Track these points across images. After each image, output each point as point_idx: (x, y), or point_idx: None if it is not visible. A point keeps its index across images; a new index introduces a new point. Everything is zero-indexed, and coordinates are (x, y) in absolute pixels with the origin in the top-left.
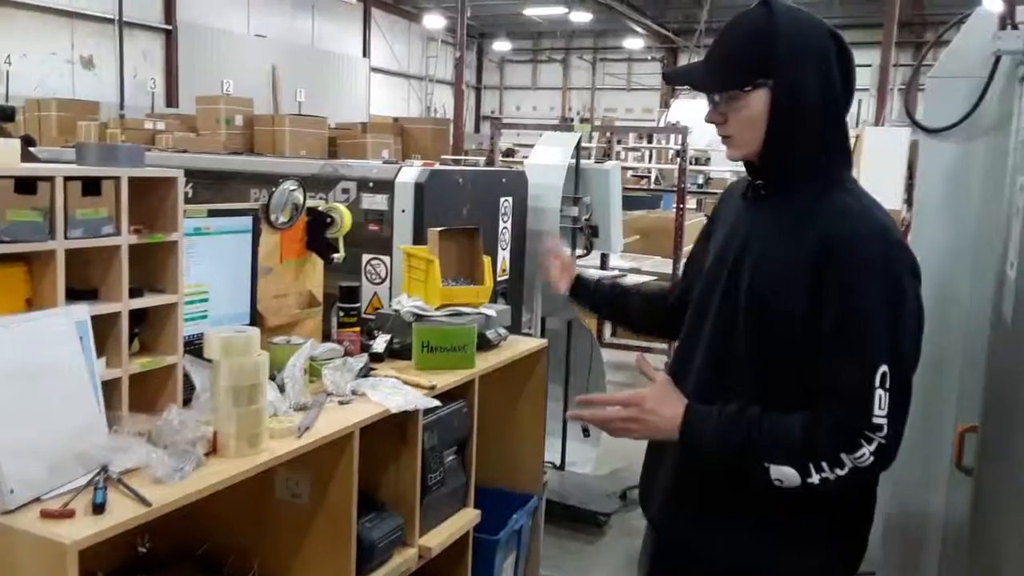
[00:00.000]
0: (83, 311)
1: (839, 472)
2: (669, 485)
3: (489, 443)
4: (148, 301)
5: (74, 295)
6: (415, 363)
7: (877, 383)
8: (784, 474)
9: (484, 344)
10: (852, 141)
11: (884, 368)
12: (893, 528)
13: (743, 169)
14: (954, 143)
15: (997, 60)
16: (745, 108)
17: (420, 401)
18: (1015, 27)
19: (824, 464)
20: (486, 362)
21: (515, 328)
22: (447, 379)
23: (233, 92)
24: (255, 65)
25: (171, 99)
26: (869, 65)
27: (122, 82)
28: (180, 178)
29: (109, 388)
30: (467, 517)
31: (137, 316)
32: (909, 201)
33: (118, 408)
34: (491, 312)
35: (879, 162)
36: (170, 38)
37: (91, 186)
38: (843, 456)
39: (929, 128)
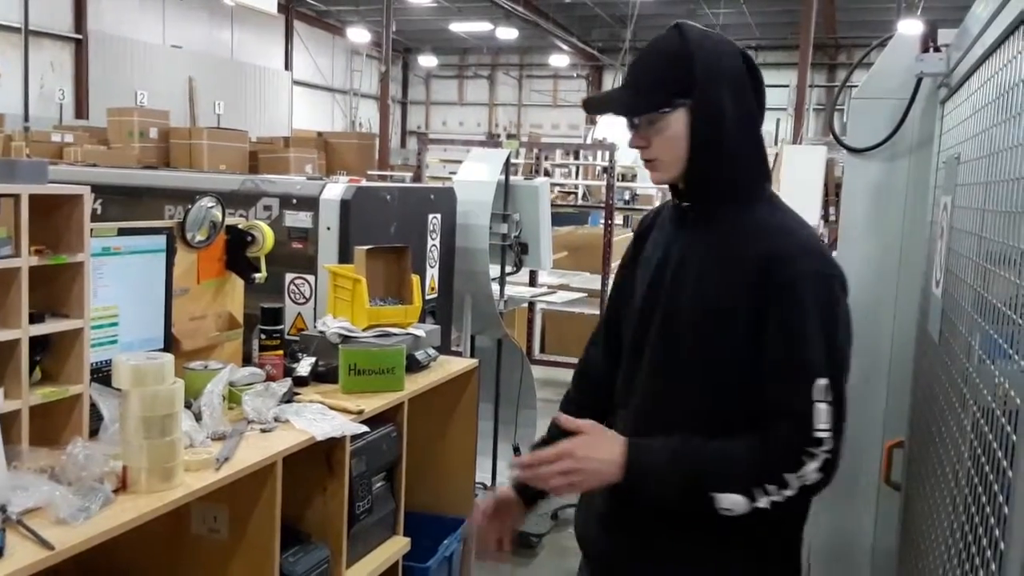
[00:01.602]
0: None
1: (787, 493)
2: (604, 513)
3: (419, 467)
4: (50, 327)
5: None
6: (342, 386)
7: (818, 396)
8: (733, 502)
9: (413, 365)
10: (772, 159)
11: (824, 381)
12: (822, 544)
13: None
14: (878, 162)
15: (919, 82)
16: (667, 129)
17: (347, 427)
18: (937, 49)
19: (770, 487)
20: (416, 384)
21: (445, 347)
22: (375, 403)
23: (147, 104)
24: (171, 76)
25: (81, 111)
26: (786, 85)
27: (27, 93)
28: (86, 195)
29: (8, 421)
30: (396, 546)
31: (39, 343)
32: (826, 217)
33: (18, 443)
34: (420, 332)
35: (797, 179)
36: (80, 48)
37: None
38: (787, 476)
39: (853, 148)
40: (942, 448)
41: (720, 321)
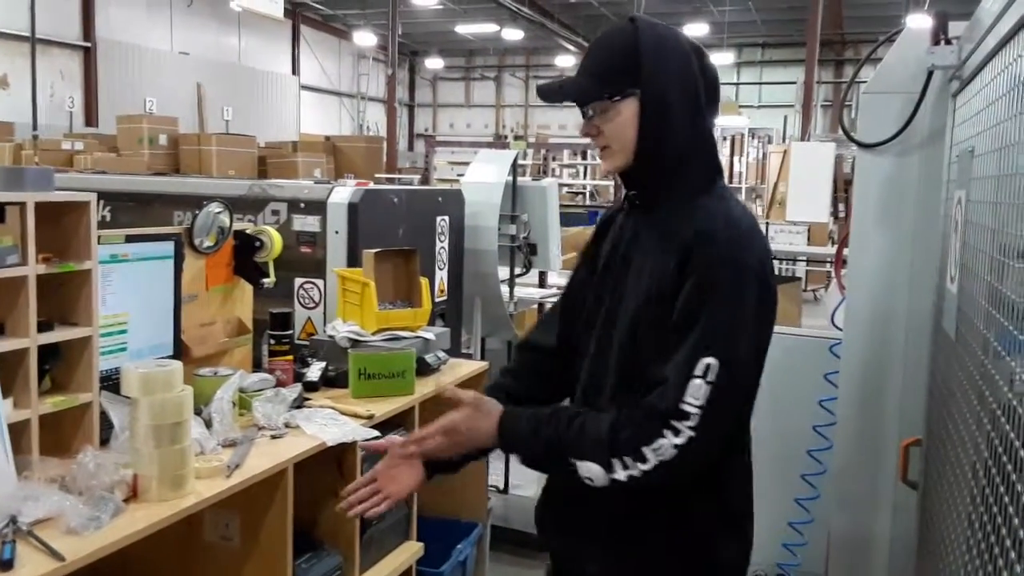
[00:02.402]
0: None
1: (642, 467)
2: (545, 487)
3: None
4: (59, 335)
5: None
6: (352, 391)
7: (698, 371)
8: (590, 471)
9: (423, 369)
10: (780, 156)
11: (710, 360)
12: (839, 544)
13: None
14: (889, 157)
15: (929, 75)
16: (616, 117)
17: (357, 432)
18: (948, 42)
19: (627, 459)
20: (426, 387)
21: (455, 350)
22: (385, 407)
23: (156, 111)
24: (179, 83)
25: (91, 118)
26: (793, 82)
27: (35, 101)
28: (92, 202)
29: (17, 431)
30: (410, 551)
31: (48, 351)
32: (835, 213)
33: (28, 452)
34: (430, 335)
35: (806, 175)
36: (89, 55)
37: None
38: (644, 449)
39: (864, 143)
40: (960, 445)
41: (652, 304)
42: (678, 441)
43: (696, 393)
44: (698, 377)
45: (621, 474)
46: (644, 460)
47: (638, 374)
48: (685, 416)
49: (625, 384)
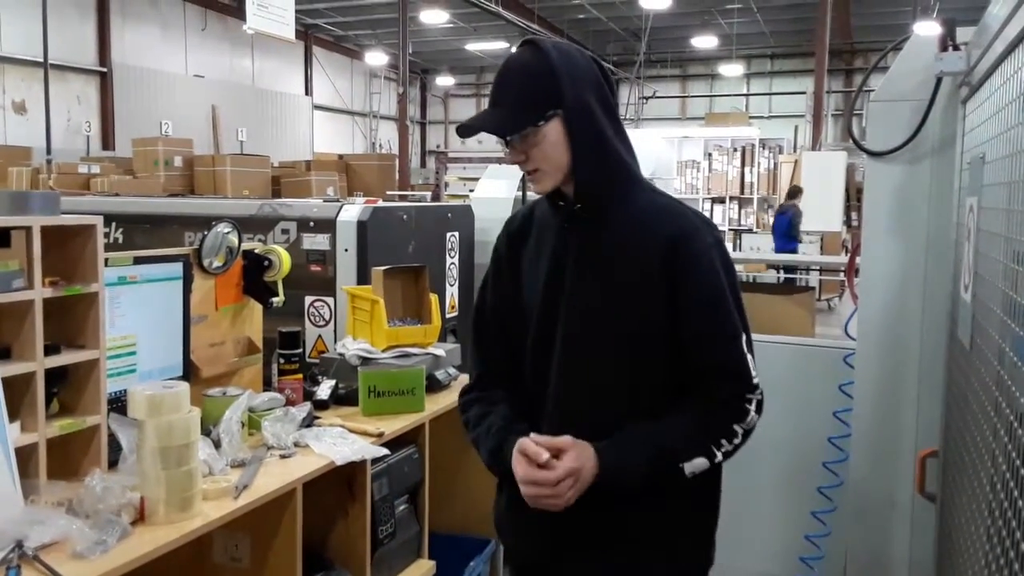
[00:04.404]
0: None
1: (736, 442)
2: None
3: (443, 488)
4: (66, 358)
5: None
6: (362, 409)
7: (745, 349)
8: (697, 466)
9: (434, 385)
10: (791, 166)
11: (744, 334)
12: (857, 557)
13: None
14: (900, 165)
15: (938, 82)
16: (543, 140)
17: (367, 450)
18: (956, 48)
19: (723, 440)
20: (436, 404)
21: (466, 366)
22: (395, 424)
23: (172, 133)
24: (194, 105)
25: (107, 142)
26: (803, 92)
27: (48, 126)
28: (98, 225)
29: (25, 454)
30: (422, 569)
31: (56, 374)
32: (848, 222)
33: (35, 476)
34: (440, 352)
35: (818, 185)
36: (105, 80)
37: None
38: (736, 427)
39: (874, 151)
40: (977, 456)
41: (634, 300)
42: (754, 408)
43: (752, 366)
44: (748, 353)
45: (719, 455)
46: (736, 435)
47: (614, 363)
48: (757, 387)
49: (635, 384)
